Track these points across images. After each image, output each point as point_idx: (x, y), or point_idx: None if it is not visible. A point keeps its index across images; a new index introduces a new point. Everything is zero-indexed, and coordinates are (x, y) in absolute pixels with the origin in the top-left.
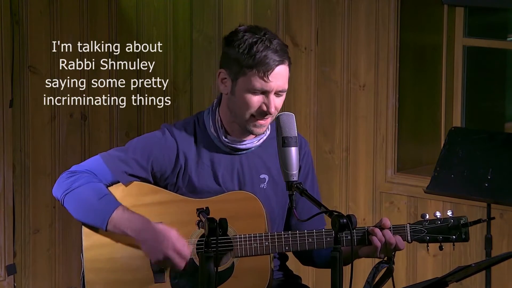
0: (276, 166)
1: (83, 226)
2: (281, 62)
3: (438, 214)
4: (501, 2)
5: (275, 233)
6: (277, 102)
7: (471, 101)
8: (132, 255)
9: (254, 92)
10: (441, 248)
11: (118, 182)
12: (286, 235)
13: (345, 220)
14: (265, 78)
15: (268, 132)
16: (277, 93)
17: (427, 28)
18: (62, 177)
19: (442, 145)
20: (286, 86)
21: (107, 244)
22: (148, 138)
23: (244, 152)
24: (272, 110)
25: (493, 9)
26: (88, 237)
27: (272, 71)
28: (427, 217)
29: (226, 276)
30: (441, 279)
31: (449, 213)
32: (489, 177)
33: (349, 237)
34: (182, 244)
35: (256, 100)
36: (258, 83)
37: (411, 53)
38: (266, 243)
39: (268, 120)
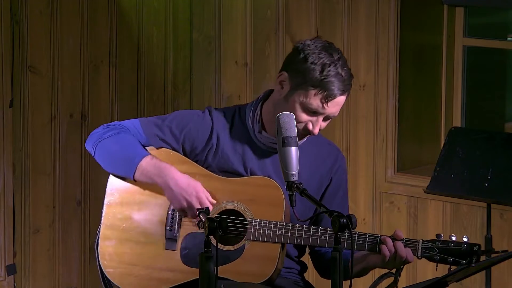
0: (305, 173)
1: (109, 181)
2: (344, 93)
3: (453, 237)
4: (501, 2)
5: (290, 224)
6: (322, 125)
7: (471, 101)
8: (149, 219)
9: (307, 109)
10: (450, 270)
11: (150, 145)
12: (300, 228)
13: (345, 220)
14: (323, 102)
15: (305, 138)
16: (326, 118)
17: (427, 28)
18: (97, 129)
19: (442, 145)
20: (337, 114)
21: (128, 203)
22: (188, 113)
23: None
24: (316, 131)
25: (493, 9)
26: (112, 194)
27: (333, 99)
28: (442, 237)
29: (235, 256)
30: (441, 279)
31: (465, 238)
32: (489, 177)
33: (360, 242)
34: (207, 195)
35: (305, 117)
36: (315, 103)
37: (411, 53)
38: (280, 231)
39: (305, 139)
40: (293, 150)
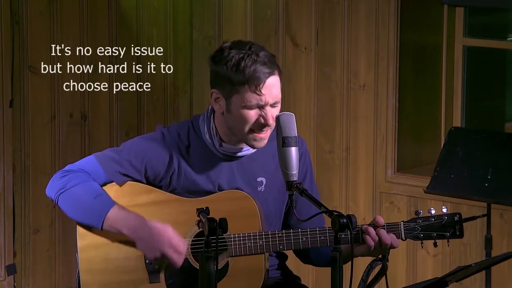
0: (272, 168)
1: (77, 227)
2: (271, 74)
3: (432, 211)
4: (501, 2)
5: (269, 232)
6: (274, 113)
7: (471, 101)
8: (127, 256)
9: (250, 107)
10: (435, 244)
11: (112, 182)
12: (280, 234)
13: (345, 220)
14: (257, 92)
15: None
16: (272, 105)
17: (427, 28)
18: (56, 177)
19: (442, 145)
20: (279, 96)
21: (102, 244)
22: (143, 140)
23: (240, 158)
24: (270, 122)
25: (493, 9)
26: (83, 238)
27: (263, 84)
28: (421, 214)
29: (221, 275)
30: (441, 279)
31: (444, 209)
32: (489, 177)
33: (343, 236)
34: (178, 240)
35: (253, 114)
36: (252, 98)
37: (411, 53)
38: (261, 242)
39: (268, 132)
40: (293, 150)
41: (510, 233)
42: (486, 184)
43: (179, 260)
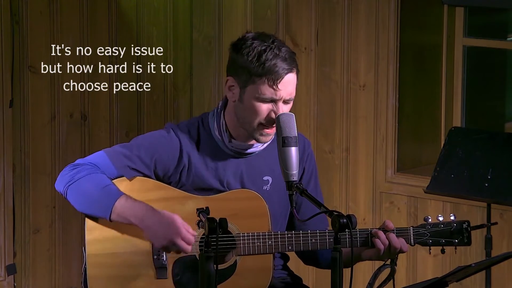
0: (279, 168)
1: (86, 220)
2: (290, 70)
3: (440, 217)
4: (501, 2)
5: (279, 233)
6: (285, 110)
7: (471, 101)
8: (134, 251)
9: (263, 100)
10: (443, 251)
11: (122, 176)
12: (289, 235)
13: (345, 220)
14: (274, 87)
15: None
16: (285, 101)
17: (427, 28)
18: (65, 170)
19: (442, 145)
20: (294, 94)
21: (110, 239)
22: (153, 136)
23: (249, 155)
24: None
25: (493, 9)
26: (91, 232)
27: (281, 80)
28: (430, 220)
29: (229, 274)
30: (441, 279)
31: (452, 217)
32: (489, 177)
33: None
34: (186, 228)
35: (265, 108)
36: (267, 91)
37: (411, 53)
38: (270, 242)
39: (274, 128)
40: (293, 150)
41: (510, 233)
42: (486, 184)
43: (187, 247)
